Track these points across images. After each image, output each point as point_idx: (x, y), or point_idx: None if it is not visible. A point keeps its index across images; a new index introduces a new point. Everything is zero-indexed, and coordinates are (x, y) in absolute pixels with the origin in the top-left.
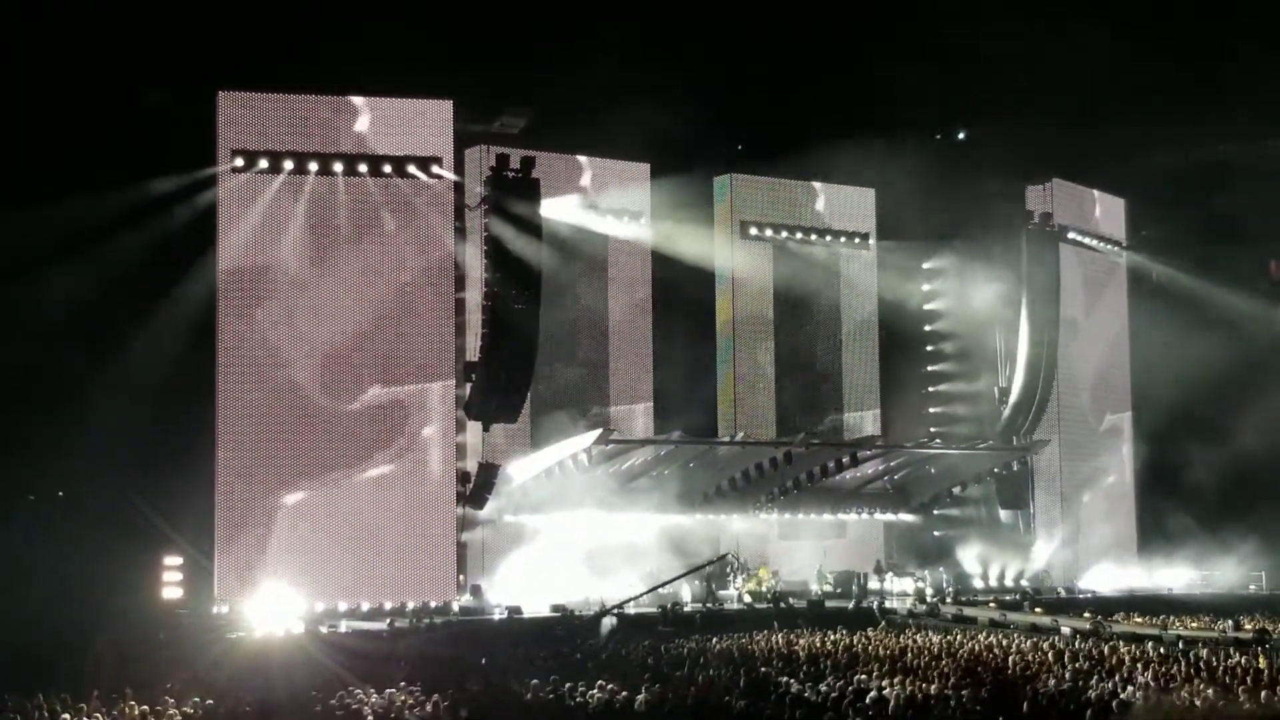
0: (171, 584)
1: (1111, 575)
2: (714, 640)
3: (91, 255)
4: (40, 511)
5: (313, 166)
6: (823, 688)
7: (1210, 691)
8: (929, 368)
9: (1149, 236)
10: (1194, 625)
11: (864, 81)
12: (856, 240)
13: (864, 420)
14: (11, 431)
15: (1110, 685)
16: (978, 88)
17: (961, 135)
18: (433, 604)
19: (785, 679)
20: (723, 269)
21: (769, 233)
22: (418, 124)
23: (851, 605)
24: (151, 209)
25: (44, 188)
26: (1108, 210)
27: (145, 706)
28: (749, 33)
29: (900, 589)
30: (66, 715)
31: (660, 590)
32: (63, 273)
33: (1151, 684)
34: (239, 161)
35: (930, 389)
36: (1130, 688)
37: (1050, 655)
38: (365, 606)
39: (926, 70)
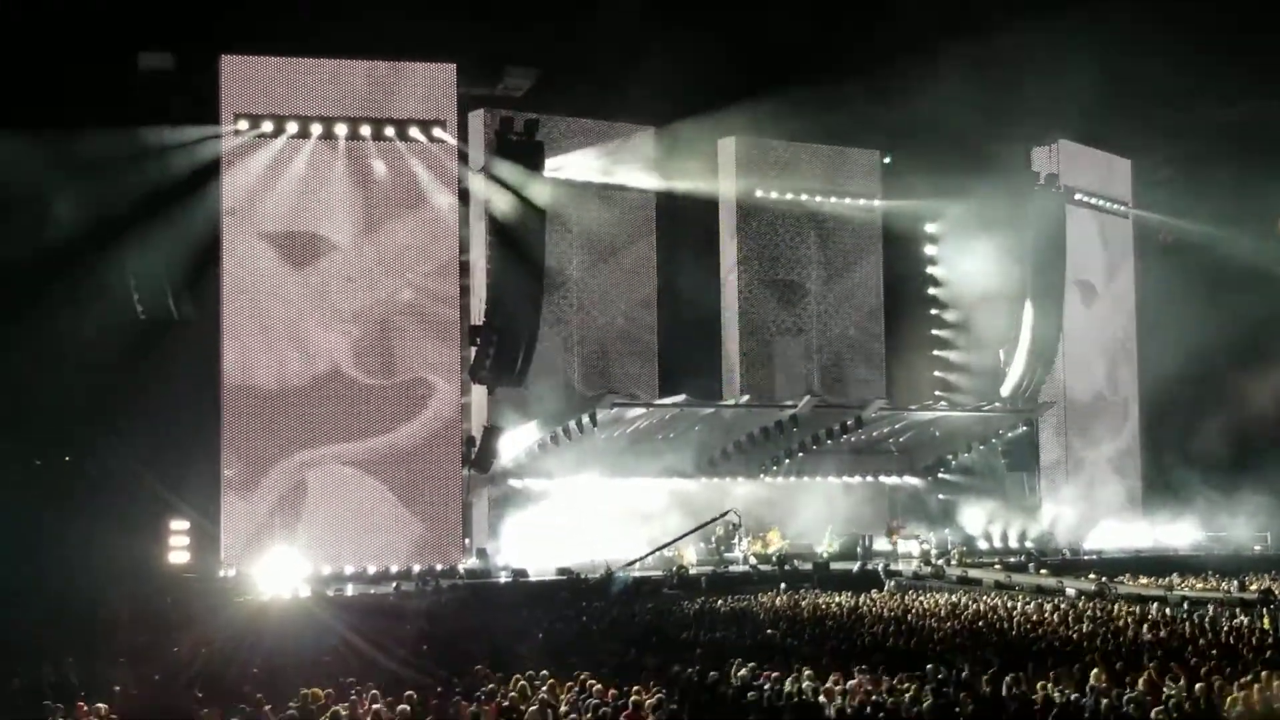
0: (178, 548)
1: (1117, 535)
2: (720, 602)
3: (90, 203)
4: (46, 477)
5: (315, 130)
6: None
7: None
8: (934, 330)
9: (1156, 198)
10: (1199, 586)
11: (870, 43)
12: (861, 202)
13: (869, 383)
14: (14, 401)
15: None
16: (984, 48)
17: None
18: (438, 567)
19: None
20: (727, 231)
21: (774, 194)
22: (421, 87)
23: (857, 567)
24: (154, 173)
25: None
26: (1114, 171)
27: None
28: None
29: (905, 551)
30: (76, 682)
31: (666, 553)
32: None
33: None
34: (242, 125)
35: (935, 351)
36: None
37: (1055, 617)
38: (371, 570)
39: (931, 31)
